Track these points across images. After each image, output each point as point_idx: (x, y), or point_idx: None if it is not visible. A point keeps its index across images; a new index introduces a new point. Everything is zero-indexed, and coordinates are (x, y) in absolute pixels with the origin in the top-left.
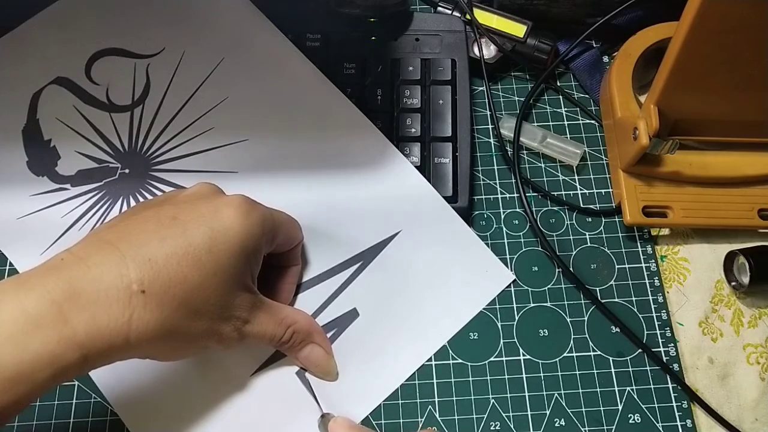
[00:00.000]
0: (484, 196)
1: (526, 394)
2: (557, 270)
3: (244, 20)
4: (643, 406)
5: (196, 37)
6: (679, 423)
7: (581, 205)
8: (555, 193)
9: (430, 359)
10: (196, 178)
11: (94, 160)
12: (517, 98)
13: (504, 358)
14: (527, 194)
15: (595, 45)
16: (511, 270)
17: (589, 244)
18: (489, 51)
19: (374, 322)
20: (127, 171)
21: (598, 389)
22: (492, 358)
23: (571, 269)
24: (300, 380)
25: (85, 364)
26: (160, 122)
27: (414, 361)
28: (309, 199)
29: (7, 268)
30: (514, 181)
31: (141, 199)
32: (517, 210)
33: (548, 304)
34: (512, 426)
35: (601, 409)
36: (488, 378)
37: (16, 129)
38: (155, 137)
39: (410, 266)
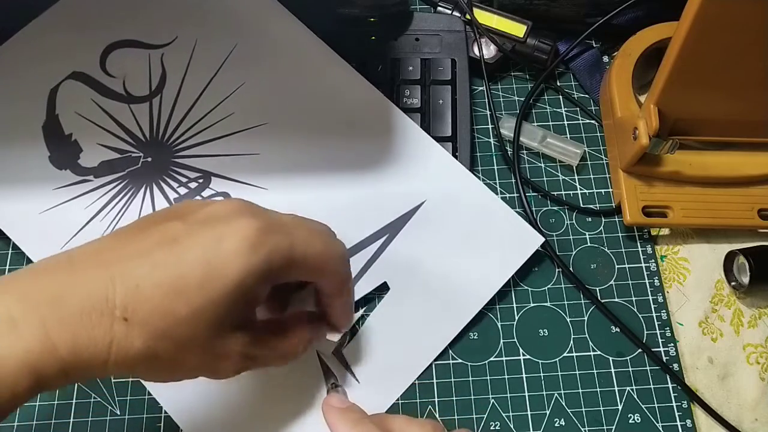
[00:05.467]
0: None
1: (526, 394)
2: (557, 270)
3: (254, 4)
4: (643, 406)
5: (208, 24)
6: (679, 423)
7: (581, 205)
8: (555, 193)
9: None
10: (218, 163)
11: (116, 150)
12: (517, 98)
13: (504, 358)
14: (527, 194)
15: (595, 45)
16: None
17: (589, 244)
18: (489, 51)
19: (406, 295)
20: (149, 160)
21: (598, 389)
22: (492, 358)
23: (571, 269)
24: (318, 357)
25: (65, 378)
26: (179, 110)
27: (449, 331)
28: (330, 174)
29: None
30: (514, 181)
31: (165, 187)
32: (517, 210)
33: (548, 304)
34: (512, 426)
35: (601, 409)
36: (488, 378)
37: (36, 125)
38: (176, 125)
39: (437, 235)
